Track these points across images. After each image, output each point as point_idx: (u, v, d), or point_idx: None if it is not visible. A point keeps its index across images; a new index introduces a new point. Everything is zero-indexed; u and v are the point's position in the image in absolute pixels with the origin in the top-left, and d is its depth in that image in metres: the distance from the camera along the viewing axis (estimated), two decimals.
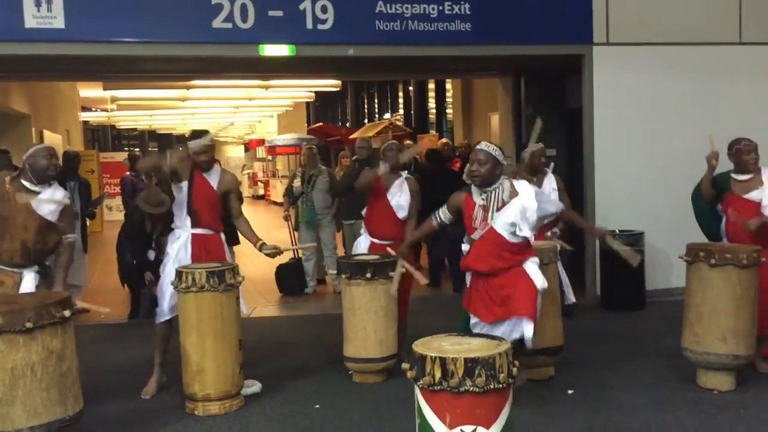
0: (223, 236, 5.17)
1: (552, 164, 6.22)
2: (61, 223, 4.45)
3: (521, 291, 4.12)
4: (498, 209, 4.05)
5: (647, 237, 7.29)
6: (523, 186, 4.16)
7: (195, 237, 4.99)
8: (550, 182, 5.90)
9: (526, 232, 4.06)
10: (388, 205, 5.47)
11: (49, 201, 4.38)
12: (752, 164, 5.20)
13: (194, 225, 4.99)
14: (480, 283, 4.21)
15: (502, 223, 4.03)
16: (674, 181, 7.35)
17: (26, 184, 4.37)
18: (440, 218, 4.38)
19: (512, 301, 4.11)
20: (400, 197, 5.47)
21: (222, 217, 5.16)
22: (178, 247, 4.98)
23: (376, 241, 5.54)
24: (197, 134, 5.09)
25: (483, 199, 4.09)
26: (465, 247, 4.28)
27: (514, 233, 4.03)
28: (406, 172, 5.66)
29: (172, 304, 4.92)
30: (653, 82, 7.53)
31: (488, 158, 4.05)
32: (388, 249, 5.32)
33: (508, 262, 4.12)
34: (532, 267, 4.17)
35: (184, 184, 4.96)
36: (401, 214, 5.46)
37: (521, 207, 4.04)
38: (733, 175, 5.29)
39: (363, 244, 5.63)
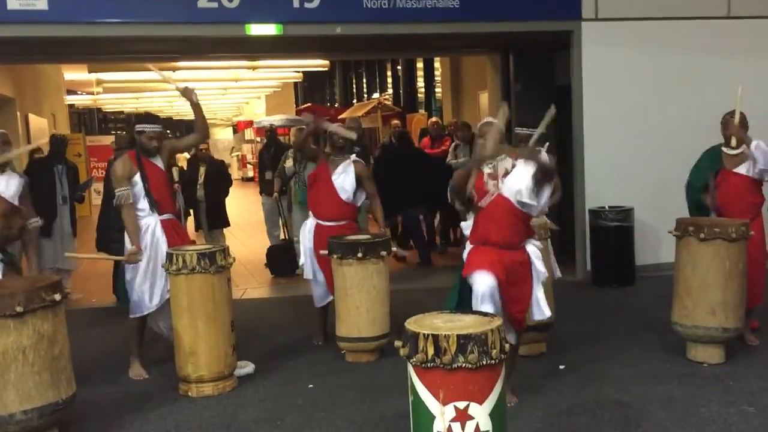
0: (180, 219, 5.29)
1: (547, 144, 6.19)
2: (23, 207, 4.40)
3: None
4: (504, 177, 4.06)
5: (636, 212, 7.31)
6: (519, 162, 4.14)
7: (164, 223, 4.98)
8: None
9: (530, 199, 3.99)
10: (332, 187, 5.51)
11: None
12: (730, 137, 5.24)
13: (160, 212, 4.97)
14: (485, 248, 4.07)
15: (509, 188, 4.01)
16: (663, 156, 7.38)
17: None
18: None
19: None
20: (344, 179, 5.52)
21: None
22: (150, 237, 4.92)
23: (321, 222, 5.58)
24: (151, 119, 5.09)
25: (490, 168, 4.08)
26: (467, 224, 4.25)
27: (521, 202, 4.00)
28: (354, 155, 5.71)
29: (151, 297, 4.91)
30: (642, 57, 7.52)
31: (492, 129, 4.11)
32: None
33: (517, 233, 4.06)
34: (532, 249, 4.14)
35: (137, 177, 4.89)
36: (344, 195, 5.53)
37: (521, 171, 4.02)
38: (724, 149, 5.31)
39: (309, 224, 5.66)
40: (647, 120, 7.53)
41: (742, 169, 5.21)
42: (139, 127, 5.03)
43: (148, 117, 5.77)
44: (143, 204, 4.92)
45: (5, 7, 6.23)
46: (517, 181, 4.00)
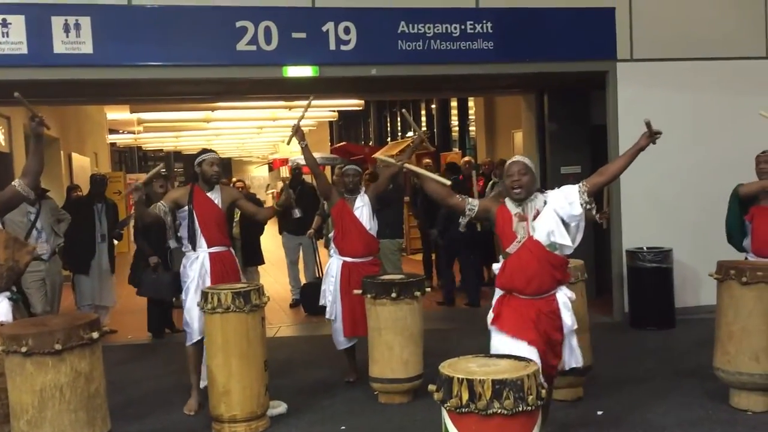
0: (233, 251, 5.31)
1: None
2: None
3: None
4: (534, 218, 3.76)
5: (675, 253, 7.19)
6: (551, 193, 3.84)
7: (212, 256, 5.09)
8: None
9: (564, 239, 3.69)
10: (357, 221, 5.58)
11: None
12: (763, 174, 5.16)
13: (209, 245, 5.09)
14: (515, 301, 3.80)
15: (539, 231, 3.70)
16: (700, 196, 7.27)
17: None
18: (469, 203, 3.92)
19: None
20: (364, 210, 5.61)
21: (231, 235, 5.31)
22: (198, 268, 5.05)
23: (349, 260, 5.59)
24: (206, 150, 5.27)
25: (519, 209, 3.80)
26: (497, 266, 3.92)
27: (553, 245, 3.70)
28: (364, 188, 5.80)
29: (202, 325, 4.94)
30: (678, 97, 7.47)
31: (527, 169, 3.80)
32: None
33: (548, 281, 3.74)
34: (562, 298, 3.81)
35: (186, 208, 5.07)
36: (368, 226, 5.60)
37: (553, 210, 3.72)
38: None
39: (335, 264, 5.66)
40: (684, 160, 7.44)
41: None
42: (199, 158, 5.17)
43: (205, 150, 6.02)
44: (190, 234, 5.06)
45: (52, 50, 6.44)
46: (548, 220, 3.70)
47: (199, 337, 4.99)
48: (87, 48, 6.49)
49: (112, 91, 8.58)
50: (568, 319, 3.79)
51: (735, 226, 5.41)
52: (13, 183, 4.16)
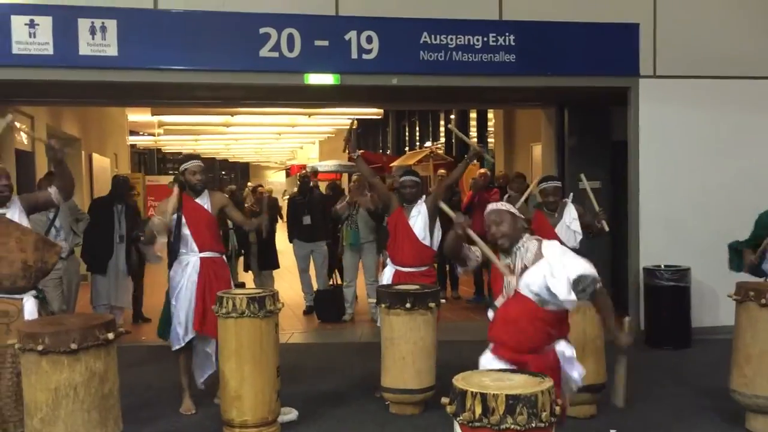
0: (225, 258, 5.36)
1: (572, 194, 6.13)
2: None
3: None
4: (520, 273, 3.36)
5: (693, 272, 7.12)
6: (550, 249, 3.38)
7: (204, 261, 5.14)
8: (570, 212, 5.79)
9: (553, 297, 3.25)
10: (410, 232, 5.56)
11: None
12: None
13: (200, 249, 5.14)
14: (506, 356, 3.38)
15: (527, 286, 3.32)
16: (721, 216, 7.19)
17: None
18: (472, 252, 3.73)
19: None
20: (419, 221, 5.60)
21: (221, 239, 5.39)
22: (189, 272, 5.11)
23: (401, 269, 5.59)
24: (191, 157, 5.34)
25: (508, 260, 3.44)
26: (491, 314, 3.58)
27: (542, 300, 3.30)
28: (424, 196, 5.76)
29: (188, 329, 5.08)
30: (701, 115, 7.42)
31: (500, 216, 3.47)
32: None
33: (540, 338, 3.34)
34: (563, 354, 3.41)
35: (175, 215, 5.10)
36: (421, 237, 5.58)
37: (542, 276, 3.27)
38: None
39: (387, 273, 5.68)
40: (705, 178, 7.38)
41: None
42: (182, 167, 5.26)
43: (189, 156, 6.05)
44: (183, 240, 5.12)
45: (77, 52, 6.52)
46: (537, 276, 3.27)
47: (185, 342, 5.11)
48: (112, 50, 6.56)
49: (134, 94, 8.67)
50: (572, 372, 3.43)
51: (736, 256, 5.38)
52: (49, 190, 4.42)
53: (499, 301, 3.48)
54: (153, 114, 14.84)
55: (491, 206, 3.63)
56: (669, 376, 6.09)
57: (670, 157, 7.41)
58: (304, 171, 10.36)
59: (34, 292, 4.24)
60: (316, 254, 8.99)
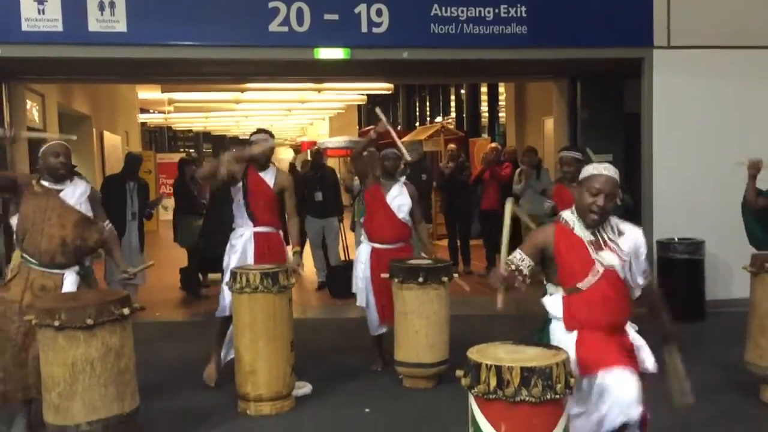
0: (281, 234, 5.30)
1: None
2: (97, 219, 4.45)
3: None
4: (611, 248, 3.15)
5: (708, 245, 7.08)
6: (627, 225, 3.26)
7: (257, 235, 5.13)
8: None
9: (638, 278, 3.22)
10: (388, 208, 5.53)
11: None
12: None
13: (255, 223, 5.12)
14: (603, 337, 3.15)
15: (617, 263, 3.14)
16: (736, 188, 7.07)
17: (46, 184, 4.28)
18: (520, 265, 3.20)
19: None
20: (401, 199, 5.57)
21: (280, 216, 5.29)
22: (243, 244, 5.12)
23: (378, 246, 5.56)
24: (264, 132, 5.27)
25: (591, 235, 3.16)
26: (551, 299, 3.26)
27: (626, 279, 3.18)
28: (403, 177, 5.74)
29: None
30: (715, 86, 7.32)
31: (614, 189, 3.12)
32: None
33: (626, 314, 3.26)
34: (635, 336, 3.32)
35: (240, 184, 5.09)
36: (401, 215, 5.55)
37: (633, 245, 3.18)
38: None
39: (364, 250, 5.64)
40: (719, 150, 7.29)
41: None
42: (252, 137, 5.22)
43: (261, 130, 6.03)
44: (240, 211, 5.14)
45: (86, 28, 6.50)
46: (626, 253, 3.15)
47: (229, 314, 5.03)
48: (121, 27, 6.53)
49: (144, 70, 8.65)
50: (646, 357, 3.31)
51: (754, 229, 5.33)
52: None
53: (586, 282, 3.13)
54: (163, 91, 14.81)
55: (601, 170, 3.15)
56: (683, 349, 6.06)
57: (684, 128, 7.33)
58: (315, 147, 10.33)
59: (77, 267, 4.29)
60: (328, 230, 8.99)
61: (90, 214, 4.37)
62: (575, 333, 3.15)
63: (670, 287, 7.09)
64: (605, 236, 3.15)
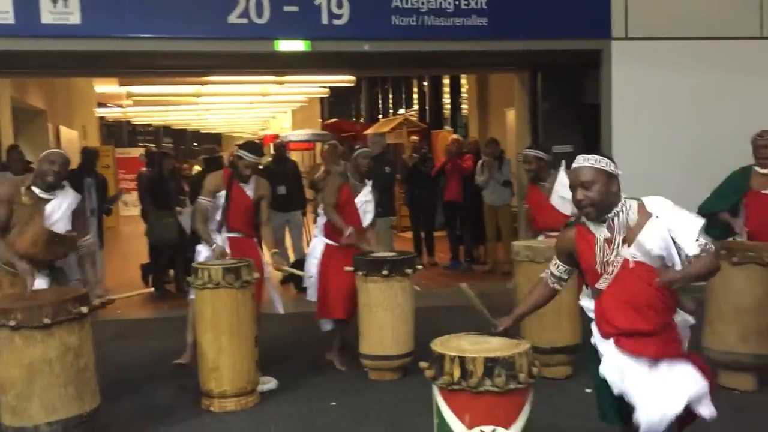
0: (256, 240, 5.45)
1: (563, 162, 6.06)
2: (73, 231, 4.43)
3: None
4: (626, 241, 2.86)
5: None
6: (657, 204, 2.92)
7: (232, 240, 5.27)
8: (561, 181, 5.58)
9: (687, 253, 2.82)
10: (356, 212, 5.53)
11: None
12: (761, 159, 5.13)
13: (230, 229, 5.28)
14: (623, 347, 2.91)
15: (644, 254, 2.85)
16: (693, 177, 7.23)
17: (36, 191, 4.31)
18: (555, 275, 3.09)
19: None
20: (368, 206, 5.57)
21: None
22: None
23: (336, 245, 5.54)
24: (256, 150, 5.36)
25: (606, 230, 2.90)
26: (586, 303, 3.07)
27: (666, 263, 2.85)
28: (370, 181, 5.70)
29: None
30: (672, 76, 7.45)
31: (596, 176, 2.87)
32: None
33: (668, 311, 2.92)
34: (691, 319, 3.04)
35: (222, 193, 5.24)
36: (366, 221, 5.59)
37: (664, 231, 2.82)
38: (756, 169, 5.21)
39: (319, 247, 5.63)
40: (677, 140, 7.44)
41: None
42: (240, 152, 5.28)
43: (254, 147, 5.95)
44: (217, 217, 5.27)
45: (39, 21, 6.34)
46: (656, 235, 2.83)
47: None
48: (75, 19, 6.39)
49: (100, 63, 8.47)
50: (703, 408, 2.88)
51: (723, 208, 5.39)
52: None
53: (602, 282, 2.91)
54: (121, 85, 14.54)
55: (581, 160, 2.95)
56: None
57: (641, 118, 7.45)
58: (279, 140, 10.26)
59: (47, 270, 4.38)
60: (291, 224, 8.94)
61: (69, 228, 4.40)
62: (611, 342, 2.92)
63: None
64: (617, 230, 2.87)
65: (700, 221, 2.84)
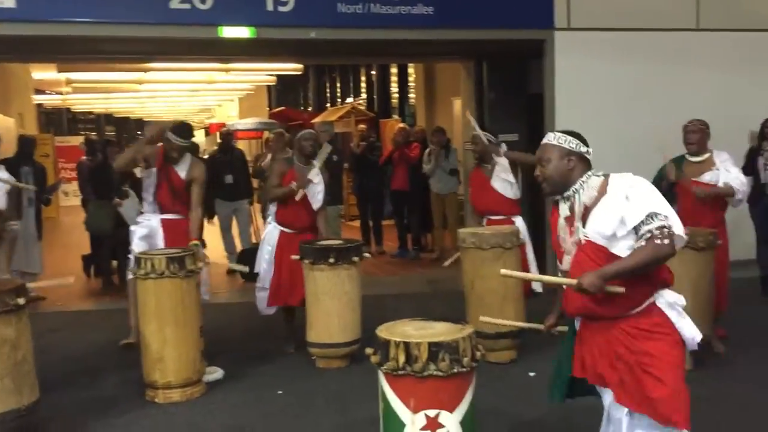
0: (190, 221, 5.30)
1: (504, 145, 6.04)
2: (5, 209, 4.31)
3: (661, 371, 2.63)
4: (583, 219, 2.73)
5: None
6: (616, 181, 2.77)
7: (165, 222, 5.21)
8: (501, 163, 5.68)
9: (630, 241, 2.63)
10: (305, 197, 5.47)
11: None
12: (690, 144, 5.31)
13: (162, 211, 5.22)
14: (589, 333, 2.81)
15: (596, 234, 2.69)
16: (635, 165, 7.38)
17: None
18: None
19: (648, 388, 2.63)
20: (317, 188, 5.52)
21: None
22: (152, 231, 5.19)
23: (290, 231, 5.53)
24: (185, 133, 5.21)
25: (568, 209, 2.80)
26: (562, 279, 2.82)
27: (616, 243, 2.66)
28: (317, 162, 5.62)
29: None
30: (614, 67, 7.61)
31: (551, 152, 2.81)
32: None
33: (635, 293, 2.66)
34: (672, 312, 2.73)
35: (154, 170, 5.15)
36: (316, 205, 5.54)
37: (615, 210, 2.64)
38: (687, 157, 5.38)
39: (274, 234, 5.58)
40: (619, 129, 7.61)
41: (705, 178, 5.26)
42: (168, 135, 5.17)
43: (182, 130, 5.73)
44: (148, 196, 5.25)
45: None
46: (606, 213, 2.66)
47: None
48: (9, 2, 6.19)
49: (37, 49, 8.20)
50: (684, 330, 2.72)
51: None
52: None
53: (565, 263, 2.80)
54: (59, 71, 14.10)
55: (546, 137, 2.89)
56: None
57: (585, 108, 7.58)
58: (225, 129, 10.11)
59: None
60: (239, 213, 8.84)
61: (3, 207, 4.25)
62: (578, 324, 2.86)
63: None
64: (576, 207, 2.76)
65: (652, 205, 2.60)
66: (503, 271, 3.09)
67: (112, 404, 4.56)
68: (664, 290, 2.73)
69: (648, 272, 2.64)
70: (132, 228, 5.35)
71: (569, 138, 2.86)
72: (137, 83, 16.48)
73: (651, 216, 2.59)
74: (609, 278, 2.60)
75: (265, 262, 5.58)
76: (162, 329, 4.50)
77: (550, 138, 2.88)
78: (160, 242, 5.19)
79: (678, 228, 2.62)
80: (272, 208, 5.70)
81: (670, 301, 2.73)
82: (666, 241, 2.56)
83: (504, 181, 5.65)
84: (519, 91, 8.98)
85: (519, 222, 5.68)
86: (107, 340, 5.73)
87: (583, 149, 2.87)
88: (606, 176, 2.80)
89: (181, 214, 5.28)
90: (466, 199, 8.21)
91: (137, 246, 5.11)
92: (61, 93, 18.18)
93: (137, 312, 4.98)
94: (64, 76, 14.68)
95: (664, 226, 2.58)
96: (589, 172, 2.83)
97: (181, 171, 5.21)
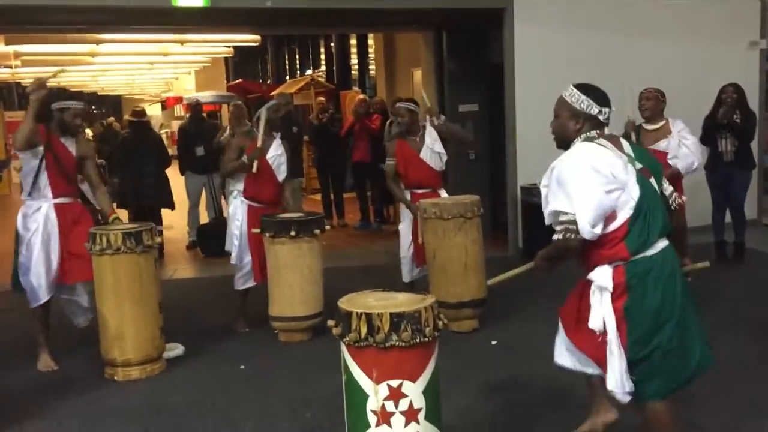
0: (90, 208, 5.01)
1: (427, 117, 5.90)
2: None
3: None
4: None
5: None
6: (556, 164, 2.99)
7: (59, 207, 4.68)
8: (431, 135, 5.60)
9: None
10: (270, 169, 5.38)
11: None
12: (644, 110, 5.36)
13: (54, 195, 4.66)
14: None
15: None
16: None
17: None
18: None
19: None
20: (281, 159, 5.43)
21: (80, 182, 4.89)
22: (43, 220, 4.62)
23: (256, 205, 5.44)
24: (72, 95, 4.83)
25: None
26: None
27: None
28: (279, 134, 5.51)
29: (49, 283, 4.64)
30: (574, 35, 7.63)
31: (560, 107, 3.00)
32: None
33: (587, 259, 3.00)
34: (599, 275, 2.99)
35: (39, 150, 4.57)
36: (281, 177, 5.44)
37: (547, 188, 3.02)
38: (643, 125, 5.43)
39: (241, 208, 5.47)
40: None
41: (661, 145, 5.32)
42: (61, 104, 4.66)
43: (69, 93, 5.37)
44: (35, 182, 4.60)
45: None
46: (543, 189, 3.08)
47: (47, 298, 4.66)
48: None
49: None
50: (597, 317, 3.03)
51: None
52: None
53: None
54: (7, 44, 13.62)
55: (562, 93, 3.00)
56: (545, 288, 6.33)
57: (545, 78, 7.55)
58: (195, 100, 9.89)
59: None
60: (209, 187, 8.69)
61: None
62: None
63: (533, 230, 7.49)
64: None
65: (561, 203, 2.83)
66: (489, 282, 3.41)
67: (70, 383, 4.48)
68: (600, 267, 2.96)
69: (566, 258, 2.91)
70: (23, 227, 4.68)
71: (582, 98, 2.92)
72: (90, 56, 16.02)
73: (558, 213, 2.84)
74: (540, 260, 3.05)
75: (235, 239, 5.46)
76: (120, 306, 4.42)
77: (566, 93, 2.97)
78: (54, 233, 4.63)
79: (584, 225, 2.77)
80: (239, 185, 5.56)
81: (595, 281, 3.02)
82: (570, 236, 2.81)
83: (434, 153, 5.55)
84: (479, 61, 8.95)
85: (444, 195, 5.62)
86: (64, 318, 5.60)
87: (595, 110, 2.91)
88: (583, 143, 2.91)
89: (75, 197, 4.82)
90: None
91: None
92: (10, 66, 17.59)
93: (46, 333, 4.77)
94: (12, 48, 14.20)
95: (568, 228, 2.80)
96: (584, 135, 2.91)
97: (71, 147, 4.72)
